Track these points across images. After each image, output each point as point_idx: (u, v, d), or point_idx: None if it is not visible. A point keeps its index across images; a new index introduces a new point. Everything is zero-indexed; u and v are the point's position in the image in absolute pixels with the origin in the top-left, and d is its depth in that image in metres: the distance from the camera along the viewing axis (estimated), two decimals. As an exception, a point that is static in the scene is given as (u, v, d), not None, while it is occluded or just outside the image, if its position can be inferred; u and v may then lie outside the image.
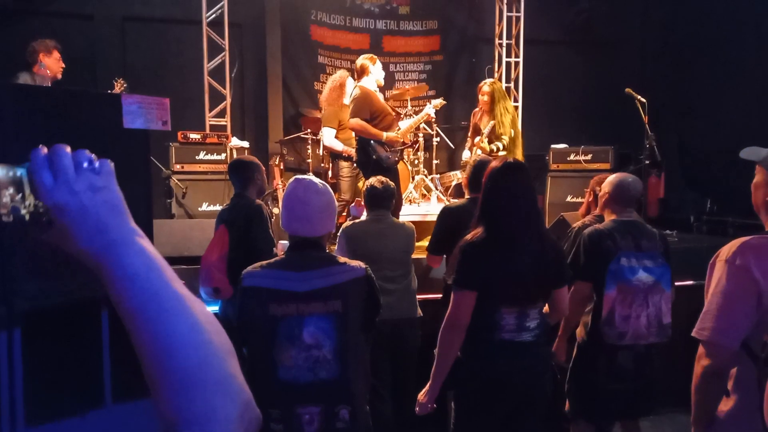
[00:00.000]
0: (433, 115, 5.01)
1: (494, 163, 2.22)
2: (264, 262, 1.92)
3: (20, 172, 0.66)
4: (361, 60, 4.56)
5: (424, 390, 2.17)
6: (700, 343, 1.64)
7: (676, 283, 2.74)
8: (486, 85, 4.75)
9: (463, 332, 2.07)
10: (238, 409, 0.62)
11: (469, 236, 2.12)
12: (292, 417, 1.77)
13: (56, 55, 4.28)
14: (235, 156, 5.31)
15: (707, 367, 1.61)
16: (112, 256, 0.64)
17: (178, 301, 0.65)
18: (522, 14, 6.87)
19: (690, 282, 3.60)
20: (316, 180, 1.94)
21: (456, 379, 2.14)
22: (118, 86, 4.70)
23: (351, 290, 1.86)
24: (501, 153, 4.56)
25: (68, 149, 0.65)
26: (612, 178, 2.74)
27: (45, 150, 0.64)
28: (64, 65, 4.34)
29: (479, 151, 4.66)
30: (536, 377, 2.15)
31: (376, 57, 4.60)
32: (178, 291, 0.66)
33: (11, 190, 0.66)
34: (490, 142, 4.64)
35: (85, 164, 0.65)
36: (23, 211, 0.66)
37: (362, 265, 1.95)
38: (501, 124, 4.65)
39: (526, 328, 2.09)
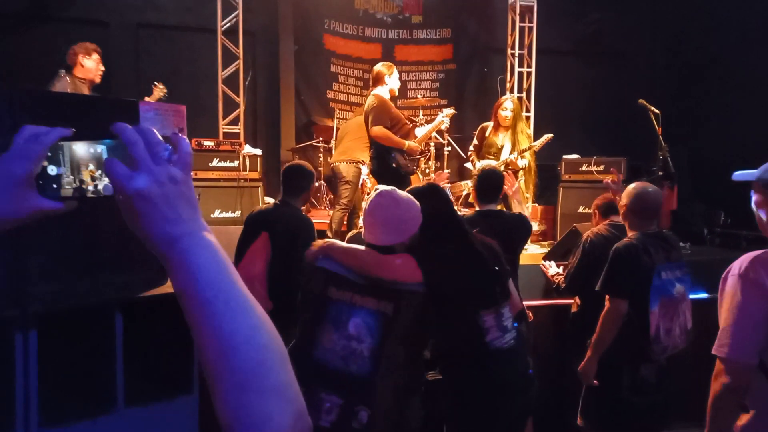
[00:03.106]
0: (447, 124, 5.01)
1: (413, 191, 2.23)
2: None
3: (100, 148, 0.68)
4: (378, 67, 4.53)
5: None
6: (719, 360, 1.62)
7: (690, 297, 2.71)
8: (510, 101, 4.73)
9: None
10: (292, 418, 0.62)
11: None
12: (314, 400, 1.78)
13: (96, 57, 4.38)
14: (247, 163, 5.35)
15: (726, 384, 1.59)
16: (182, 247, 0.64)
17: (242, 299, 0.64)
18: (534, 25, 6.88)
19: (704, 296, 3.57)
20: (396, 192, 2.00)
21: (448, 404, 2.11)
22: (158, 91, 4.78)
23: (405, 298, 1.88)
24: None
25: (152, 133, 0.66)
26: (630, 188, 2.62)
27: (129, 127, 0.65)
28: (103, 69, 4.43)
29: (483, 163, 4.66)
30: (526, 385, 2.14)
31: (393, 66, 4.57)
32: (242, 290, 0.65)
33: (91, 167, 0.68)
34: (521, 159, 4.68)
35: (164, 153, 0.66)
36: (102, 186, 0.68)
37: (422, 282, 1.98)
38: (521, 141, 4.67)
39: (504, 327, 2.08)
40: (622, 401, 2.52)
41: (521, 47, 6.96)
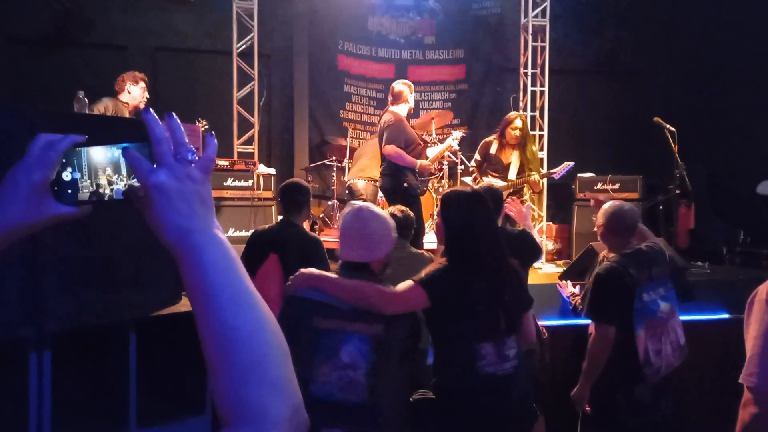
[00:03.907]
0: (456, 146, 4.99)
1: (449, 193, 2.22)
2: None
3: (117, 152, 0.71)
4: (400, 86, 4.49)
5: None
6: (747, 389, 1.57)
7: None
8: (519, 119, 4.66)
9: None
10: (289, 412, 0.64)
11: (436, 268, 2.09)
12: None
13: (142, 86, 4.65)
14: (261, 183, 5.38)
15: (756, 414, 1.54)
16: (194, 241, 0.67)
17: (248, 296, 0.67)
18: (547, 44, 6.90)
19: (725, 316, 3.49)
20: (370, 207, 1.96)
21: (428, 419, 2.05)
22: (200, 126, 5.06)
23: (395, 317, 1.84)
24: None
25: (177, 135, 0.70)
26: (606, 207, 2.60)
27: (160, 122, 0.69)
28: (148, 97, 4.69)
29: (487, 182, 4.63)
30: (526, 412, 2.09)
31: (413, 85, 4.57)
32: (249, 286, 0.68)
33: (108, 171, 0.71)
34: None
35: (189, 156, 0.69)
36: (121, 187, 0.71)
37: None
38: (531, 161, 4.65)
39: (505, 356, 2.02)
40: (619, 424, 2.47)
41: (534, 66, 6.98)
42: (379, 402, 1.79)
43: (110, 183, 0.71)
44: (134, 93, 4.58)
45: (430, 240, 5.36)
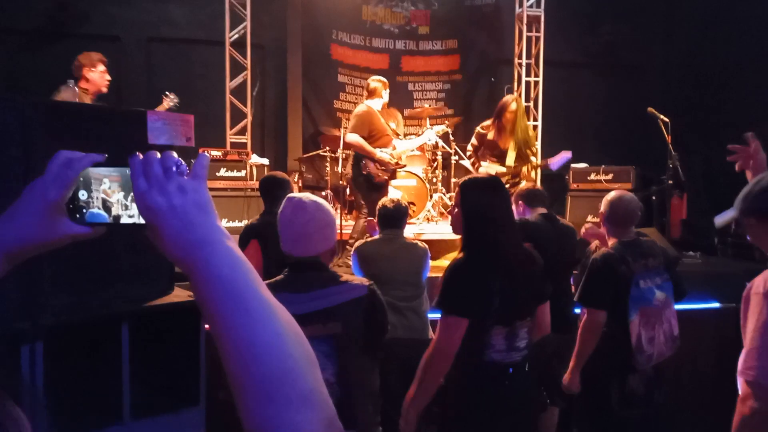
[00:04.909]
0: (432, 142, 5.00)
1: (466, 180, 2.15)
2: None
3: (128, 172, 0.70)
4: (374, 83, 4.66)
5: (407, 417, 2.05)
6: (746, 383, 1.57)
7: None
8: (515, 102, 4.54)
9: (452, 358, 2.00)
10: (323, 426, 0.60)
11: (454, 259, 2.07)
12: None
13: (101, 68, 4.29)
14: (254, 173, 5.36)
15: (755, 408, 1.54)
16: (198, 255, 0.64)
17: (263, 306, 0.63)
18: (542, 35, 6.89)
19: (716, 305, 3.52)
20: (309, 197, 1.85)
21: (443, 406, 2.06)
22: (167, 101, 4.75)
23: (351, 311, 1.78)
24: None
25: (158, 155, 0.68)
26: (608, 197, 2.64)
27: (141, 156, 0.67)
28: (109, 78, 4.35)
29: (485, 166, 4.62)
30: (528, 402, 2.08)
31: (387, 83, 4.70)
32: (263, 296, 0.64)
33: (122, 194, 0.72)
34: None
35: (174, 168, 0.67)
36: (132, 212, 0.71)
37: (365, 282, 1.89)
38: (528, 142, 4.65)
39: (515, 348, 2.03)
40: (613, 415, 2.49)
41: (528, 57, 6.96)
42: (352, 397, 1.76)
43: (124, 205, 0.72)
44: (93, 78, 4.25)
45: (427, 230, 5.37)
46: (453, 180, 6.44)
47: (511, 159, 4.58)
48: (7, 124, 1.82)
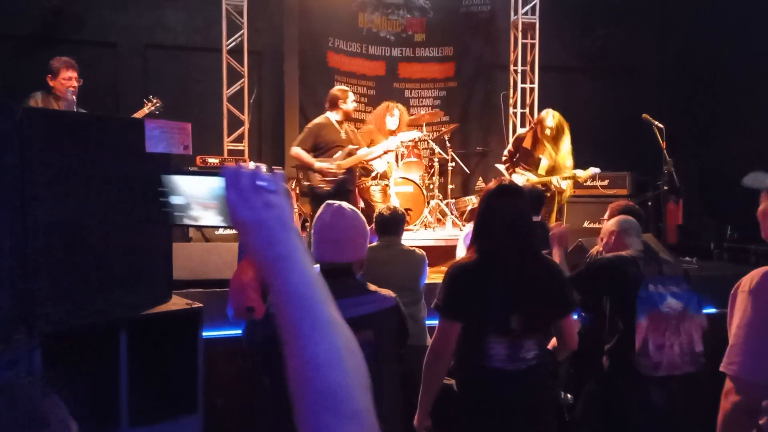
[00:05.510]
0: (394, 148, 5.03)
1: (489, 185, 2.17)
2: None
3: (215, 183, 0.76)
4: (335, 91, 4.73)
5: (416, 416, 2.09)
6: (729, 378, 1.59)
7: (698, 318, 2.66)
8: (552, 118, 4.71)
9: (449, 359, 2.03)
10: None
11: (459, 259, 2.10)
12: None
13: (64, 74, 4.06)
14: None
15: (737, 403, 1.55)
16: (278, 269, 0.69)
17: (329, 323, 0.67)
18: (537, 41, 6.93)
19: (713, 310, 3.53)
20: (347, 205, 1.88)
21: (448, 407, 2.07)
22: (149, 105, 4.62)
23: (383, 320, 1.81)
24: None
25: (249, 167, 0.73)
26: (614, 219, 2.75)
27: (233, 167, 0.73)
28: (75, 84, 4.13)
29: (522, 177, 4.66)
30: (534, 409, 2.03)
31: (348, 90, 4.78)
32: (331, 314, 0.68)
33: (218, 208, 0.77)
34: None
35: (263, 183, 0.71)
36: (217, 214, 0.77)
37: (392, 294, 1.91)
38: (563, 158, 4.73)
39: (520, 358, 1.98)
40: (630, 424, 2.44)
41: (524, 63, 7.00)
42: (383, 405, 1.77)
43: (206, 209, 0.78)
44: (55, 86, 4.07)
45: (424, 237, 5.38)
46: (450, 186, 6.45)
47: (543, 169, 4.69)
48: (3, 131, 1.83)
